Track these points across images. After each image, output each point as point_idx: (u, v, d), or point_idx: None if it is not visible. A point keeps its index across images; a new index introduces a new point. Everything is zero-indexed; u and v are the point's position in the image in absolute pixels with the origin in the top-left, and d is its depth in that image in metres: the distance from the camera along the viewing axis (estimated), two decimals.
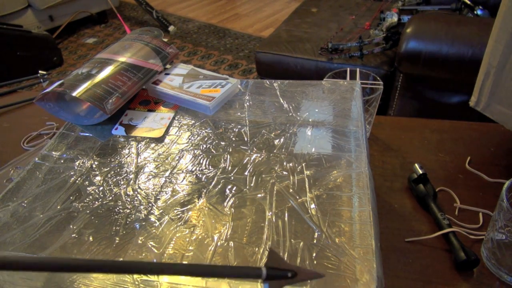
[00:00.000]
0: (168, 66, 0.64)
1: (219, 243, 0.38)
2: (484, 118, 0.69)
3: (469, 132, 0.73)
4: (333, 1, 2.03)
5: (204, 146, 0.50)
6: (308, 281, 0.34)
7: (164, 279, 0.36)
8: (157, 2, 3.60)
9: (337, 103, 0.55)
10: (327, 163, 0.46)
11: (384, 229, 0.56)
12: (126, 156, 0.50)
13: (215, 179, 0.45)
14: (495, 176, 0.63)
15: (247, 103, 0.57)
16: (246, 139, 0.50)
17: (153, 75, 0.60)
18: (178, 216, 0.41)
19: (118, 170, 0.48)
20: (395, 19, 1.60)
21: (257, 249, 0.37)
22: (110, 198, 0.44)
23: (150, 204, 0.43)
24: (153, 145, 0.52)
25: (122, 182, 0.46)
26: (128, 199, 0.44)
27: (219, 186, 0.44)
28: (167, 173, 0.47)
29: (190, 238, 0.39)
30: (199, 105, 0.56)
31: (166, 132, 0.53)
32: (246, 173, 0.45)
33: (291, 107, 0.55)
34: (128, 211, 0.42)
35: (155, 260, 0.37)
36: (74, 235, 0.40)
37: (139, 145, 0.52)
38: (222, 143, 0.50)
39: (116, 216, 0.42)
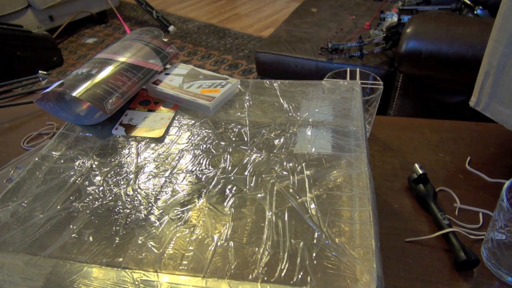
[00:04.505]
0: (168, 66, 0.64)
1: (219, 243, 0.38)
2: (484, 118, 0.69)
3: (469, 132, 0.73)
4: (333, 1, 2.03)
5: (204, 146, 0.50)
6: (308, 281, 0.34)
7: (164, 278, 0.36)
8: (157, 2, 3.60)
9: (337, 103, 0.55)
10: (327, 163, 0.46)
11: (384, 229, 0.56)
12: (126, 156, 0.50)
13: (215, 179, 0.45)
14: (495, 176, 0.63)
15: (247, 103, 0.57)
16: (246, 139, 0.50)
17: (153, 75, 0.60)
18: (178, 216, 0.41)
19: (118, 170, 0.48)
20: (395, 19, 1.60)
21: (257, 249, 0.37)
22: (110, 198, 0.44)
23: (150, 204, 0.43)
24: (153, 145, 0.52)
25: (122, 182, 0.46)
26: (128, 199, 0.44)
27: (219, 186, 0.44)
28: (167, 173, 0.47)
29: (190, 238, 0.39)
30: (199, 105, 0.56)
31: (166, 132, 0.53)
32: (246, 173, 0.45)
33: (291, 107, 0.55)
34: (128, 211, 0.42)
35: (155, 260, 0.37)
36: (74, 235, 0.40)
37: (139, 145, 0.52)
38: (222, 143, 0.50)
39: (116, 216, 0.42)
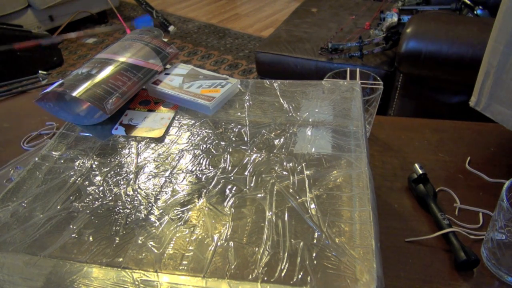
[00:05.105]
0: (168, 66, 0.64)
1: (219, 243, 0.38)
2: (484, 118, 0.69)
3: (469, 132, 0.73)
4: (333, 1, 2.03)
5: (204, 146, 0.50)
6: (308, 281, 0.34)
7: (164, 278, 0.36)
8: (157, 2, 3.60)
9: (337, 103, 0.55)
10: (327, 163, 0.45)
11: (384, 229, 0.56)
12: (126, 156, 0.50)
13: (215, 179, 0.45)
14: (495, 176, 0.63)
15: (247, 103, 0.57)
16: (246, 139, 0.50)
17: (153, 75, 0.60)
18: (178, 216, 0.41)
19: (118, 170, 0.48)
20: (395, 19, 1.60)
21: (257, 249, 0.37)
22: (110, 198, 0.44)
23: (150, 204, 0.43)
24: (153, 145, 0.52)
25: (122, 182, 0.46)
26: (128, 199, 0.44)
27: (219, 186, 0.44)
28: (167, 173, 0.47)
29: (190, 238, 0.39)
30: (199, 105, 0.56)
31: (166, 132, 0.53)
32: (246, 173, 0.45)
33: (291, 107, 0.55)
34: (128, 211, 0.42)
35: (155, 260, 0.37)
36: (74, 235, 0.40)
37: (139, 145, 0.52)
38: (222, 143, 0.50)
39: (116, 216, 0.42)
